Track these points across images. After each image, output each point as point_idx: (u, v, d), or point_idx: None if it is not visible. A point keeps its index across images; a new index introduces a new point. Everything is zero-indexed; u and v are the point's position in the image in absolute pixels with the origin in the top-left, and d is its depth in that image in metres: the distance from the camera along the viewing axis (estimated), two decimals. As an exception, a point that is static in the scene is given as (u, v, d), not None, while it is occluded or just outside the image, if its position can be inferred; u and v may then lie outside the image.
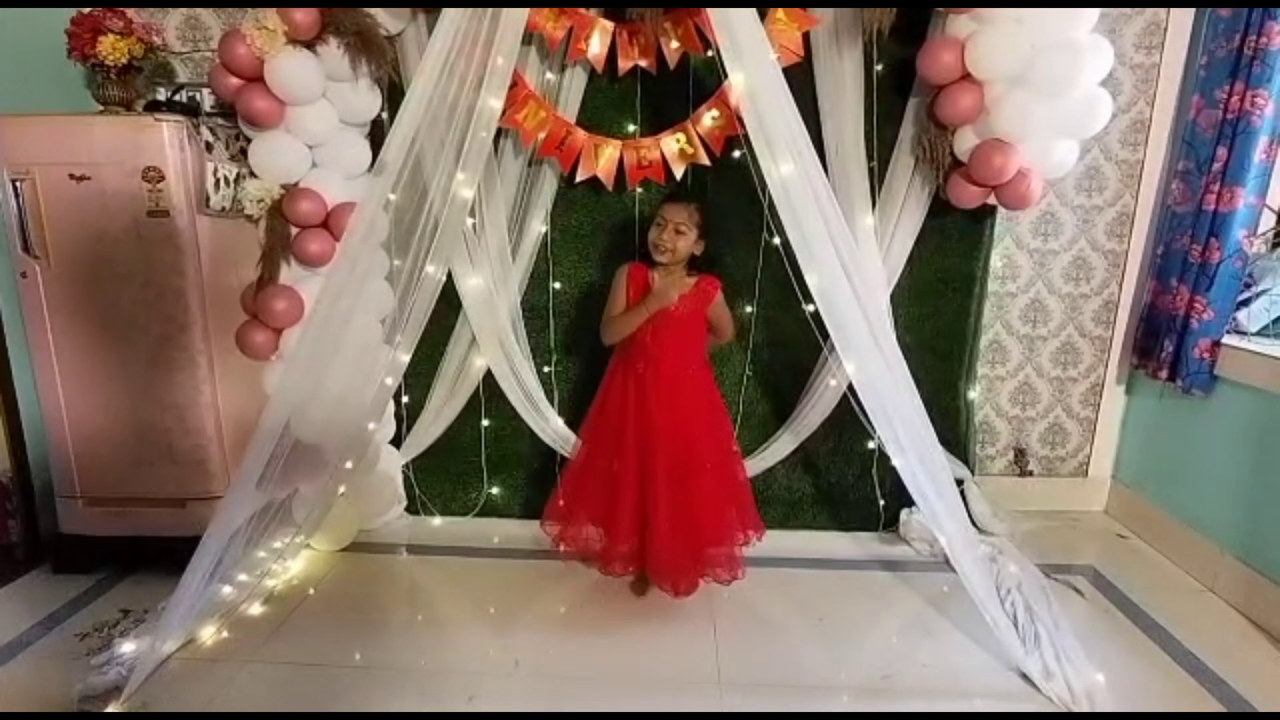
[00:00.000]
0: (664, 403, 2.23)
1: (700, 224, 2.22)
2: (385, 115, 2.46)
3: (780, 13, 2.32)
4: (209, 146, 2.27)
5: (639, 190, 2.62)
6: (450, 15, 2.03)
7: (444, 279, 2.52)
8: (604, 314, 2.31)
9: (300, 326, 2.26)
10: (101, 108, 2.33)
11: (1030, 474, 3.06)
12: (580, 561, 2.46)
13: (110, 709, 1.82)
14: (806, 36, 2.38)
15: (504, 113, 2.34)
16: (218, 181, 2.26)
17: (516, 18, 2.12)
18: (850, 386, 2.21)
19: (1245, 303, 2.51)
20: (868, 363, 2.01)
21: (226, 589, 2.23)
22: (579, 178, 2.53)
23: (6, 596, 2.35)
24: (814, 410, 2.69)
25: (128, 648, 1.98)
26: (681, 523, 2.21)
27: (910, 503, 2.54)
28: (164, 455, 2.37)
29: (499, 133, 2.46)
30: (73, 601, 2.31)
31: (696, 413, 2.30)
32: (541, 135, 2.48)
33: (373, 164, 2.34)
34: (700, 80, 2.50)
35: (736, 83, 1.95)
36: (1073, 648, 2.01)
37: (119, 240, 2.23)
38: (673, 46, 2.39)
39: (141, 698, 1.87)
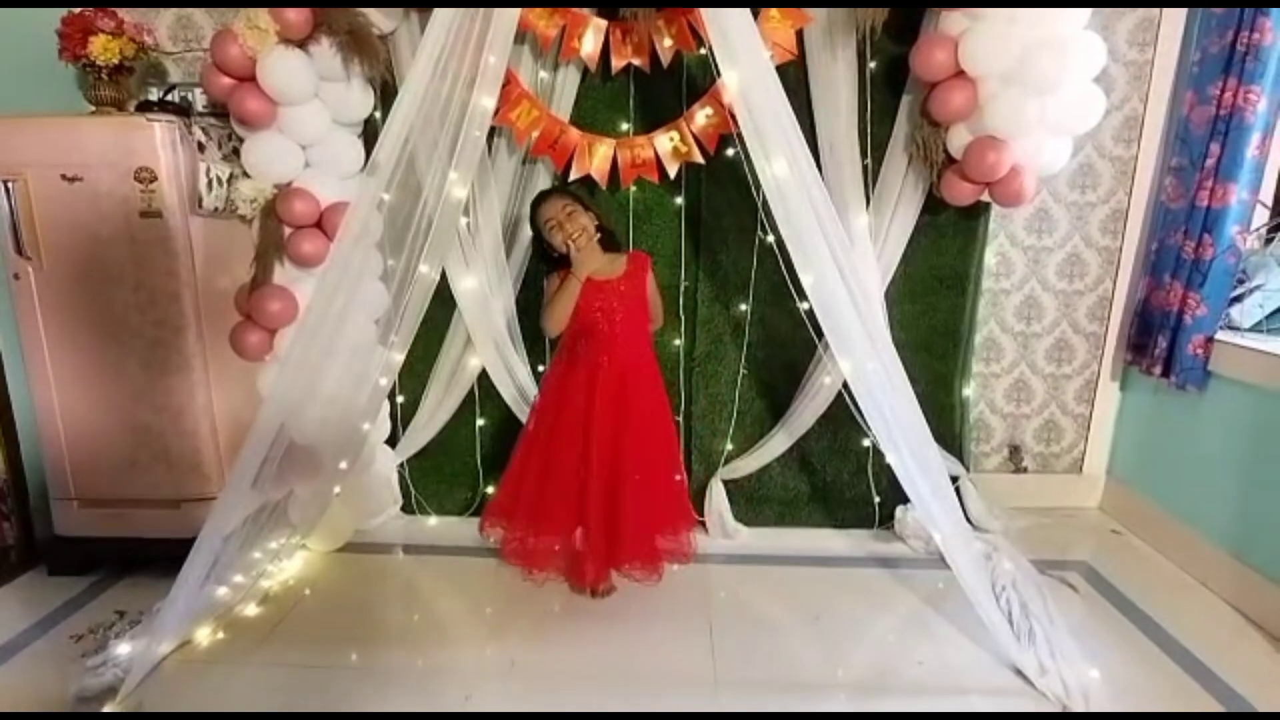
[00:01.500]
0: (628, 389, 2.26)
1: (576, 197, 2.28)
2: (378, 115, 2.46)
3: (774, 10, 2.32)
4: (201, 147, 2.26)
5: (633, 189, 2.62)
6: (442, 14, 2.02)
7: (438, 279, 2.53)
8: (541, 311, 2.32)
9: (294, 327, 2.25)
10: (93, 108, 2.33)
11: (1025, 471, 3.07)
12: (528, 573, 2.37)
13: (106, 710, 1.82)
14: (800, 34, 2.37)
15: (497, 112, 2.34)
16: (210, 182, 2.25)
17: (509, 16, 2.12)
18: (845, 384, 2.21)
19: (1239, 299, 2.51)
20: (862, 361, 2.01)
21: (222, 590, 2.22)
22: (573, 176, 2.52)
23: (2, 599, 2.35)
24: (809, 408, 2.69)
25: (123, 649, 1.98)
26: (644, 506, 2.28)
27: (905, 500, 2.56)
28: (159, 457, 2.37)
29: (492, 132, 2.45)
30: (68, 603, 2.31)
31: (651, 391, 2.35)
32: (535, 134, 2.48)
33: (366, 164, 2.34)
34: (694, 78, 2.50)
35: (730, 81, 1.95)
36: (1067, 644, 2.02)
37: (112, 242, 2.22)
38: (666, 44, 2.39)
39: (137, 699, 1.87)
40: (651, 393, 2.37)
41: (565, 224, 2.21)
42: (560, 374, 2.36)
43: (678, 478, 2.49)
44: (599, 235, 2.26)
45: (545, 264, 2.36)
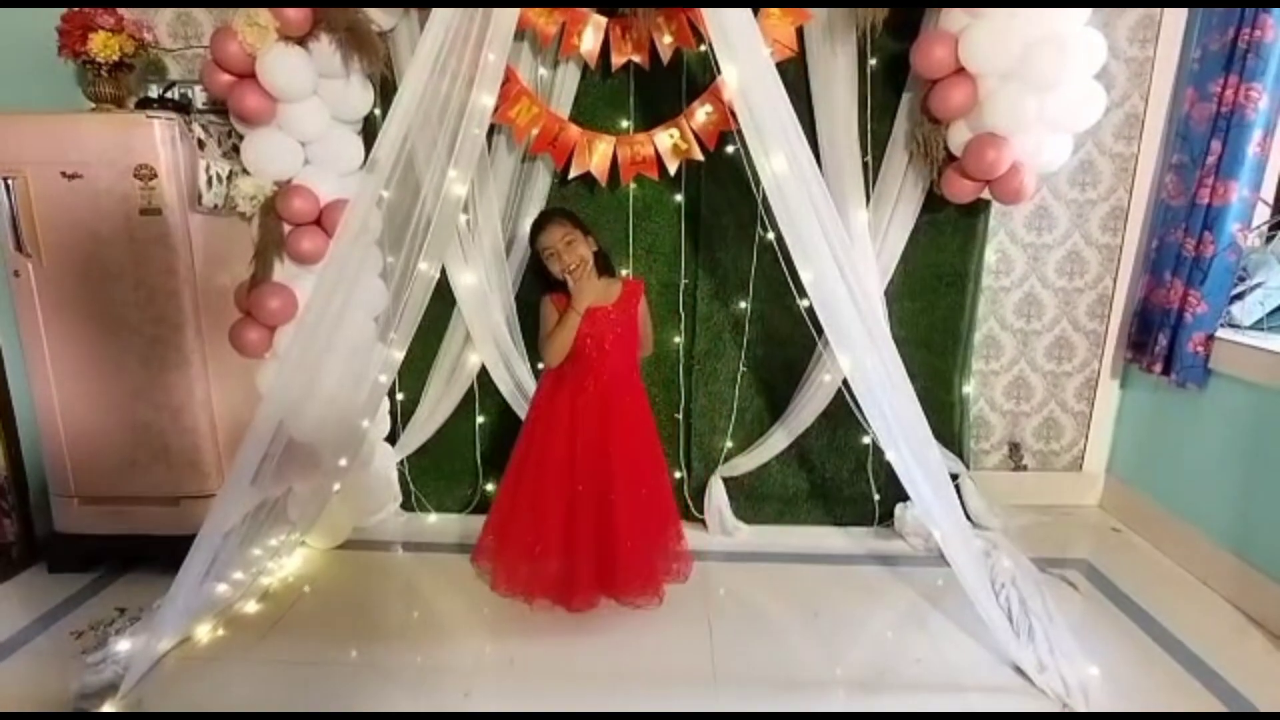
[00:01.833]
0: (613, 415, 2.22)
1: (577, 224, 2.23)
2: (378, 112, 2.46)
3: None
4: (201, 144, 2.26)
5: (633, 186, 2.62)
6: (442, 11, 2.02)
7: (437, 276, 2.53)
8: (539, 339, 2.28)
9: (294, 324, 2.26)
10: (93, 105, 2.32)
11: (1025, 468, 3.07)
12: (526, 600, 2.28)
13: (106, 707, 1.83)
14: (800, 31, 2.37)
15: (497, 109, 2.33)
16: (210, 179, 2.25)
17: (509, 14, 2.12)
18: (845, 382, 2.21)
19: (1239, 296, 2.51)
20: (862, 358, 2.01)
21: (222, 587, 2.22)
22: (572, 174, 2.52)
23: (2, 595, 2.35)
24: (808, 406, 2.69)
25: (123, 646, 1.98)
26: (638, 529, 2.22)
27: (905, 498, 2.56)
28: (158, 454, 2.37)
29: (492, 129, 2.45)
30: (68, 600, 2.31)
31: (636, 420, 2.30)
32: (534, 132, 2.47)
33: (365, 161, 2.34)
34: (693, 75, 2.50)
35: (729, 77, 1.95)
36: (1067, 641, 2.01)
37: (111, 239, 2.22)
38: (665, 41, 2.39)
39: (137, 695, 1.88)
40: (637, 417, 2.30)
41: (563, 254, 2.17)
42: (545, 397, 2.32)
43: (677, 475, 2.45)
44: (595, 267, 2.23)
45: (540, 281, 2.31)
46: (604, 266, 2.29)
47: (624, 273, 2.65)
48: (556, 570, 2.22)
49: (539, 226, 2.24)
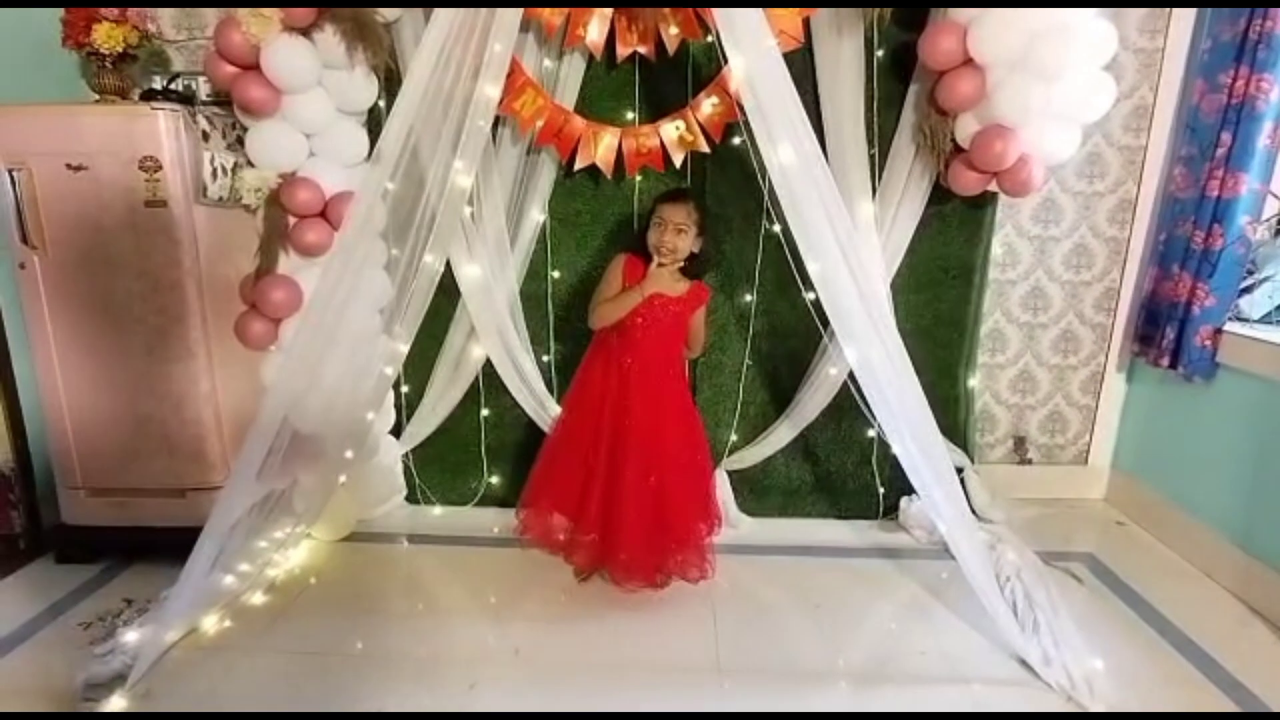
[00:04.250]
0: (642, 398, 2.27)
1: (699, 221, 2.25)
2: (382, 103, 2.44)
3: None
4: (205, 135, 2.25)
5: (638, 178, 2.61)
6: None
7: (442, 268, 2.52)
8: (595, 297, 2.32)
9: (298, 316, 2.25)
10: (97, 97, 2.32)
11: (1029, 462, 3.06)
12: (542, 549, 2.48)
13: (114, 697, 1.83)
14: (806, 22, 2.35)
15: (501, 100, 2.32)
16: (214, 171, 2.25)
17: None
18: (850, 375, 2.21)
19: (1248, 290, 2.50)
20: (868, 351, 2.00)
21: (228, 578, 2.23)
22: (577, 166, 2.51)
23: (10, 587, 2.36)
24: (813, 399, 2.69)
25: (131, 637, 1.98)
26: (648, 519, 2.24)
27: (909, 490, 2.55)
28: (163, 446, 2.38)
29: (496, 121, 2.44)
30: (76, 591, 2.32)
31: (671, 411, 2.34)
32: (539, 123, 2.46)
33: (370, 153, 2.33)
34: (699, 66, 2.48)
35: (736, 69, 1.94)
36: (1071, 634, 2.01)
37: (116, 230, 2.22)
38: (671, 33, 2.37)
39: (145, 686, 1.89)
40: (672, 400, 2.36)
41: (666, 235, 2.21)
42: (588, 363, 2.43)
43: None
44: (683, 263, 2.27)
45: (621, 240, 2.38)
46: (691, 270, 2.31)
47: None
48: (558, 523, 2.41)
49: (674, 197, 2.27)
